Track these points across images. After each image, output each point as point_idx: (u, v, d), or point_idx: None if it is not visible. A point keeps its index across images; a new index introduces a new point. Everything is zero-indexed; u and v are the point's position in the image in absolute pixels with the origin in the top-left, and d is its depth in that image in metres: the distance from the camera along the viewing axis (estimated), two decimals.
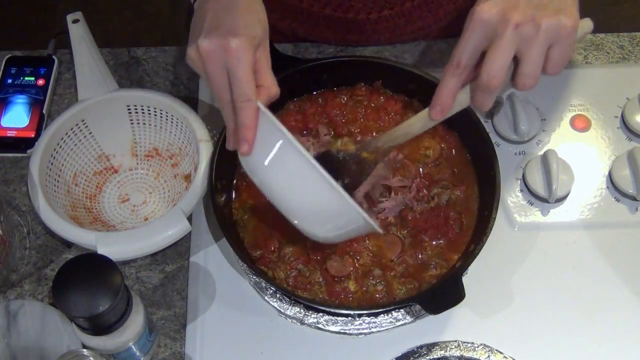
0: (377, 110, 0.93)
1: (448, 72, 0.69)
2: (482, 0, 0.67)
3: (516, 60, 0.67)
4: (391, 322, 0.84)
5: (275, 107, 0.94)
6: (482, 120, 0.88)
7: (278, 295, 0.85)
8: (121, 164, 0.96)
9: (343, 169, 0.75)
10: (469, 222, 0.87)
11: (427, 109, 0.72)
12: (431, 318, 0.83)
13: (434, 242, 0.85)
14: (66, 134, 0.92)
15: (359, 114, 0.92)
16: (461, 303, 0.77)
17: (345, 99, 0.94)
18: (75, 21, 0.97)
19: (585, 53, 1.05)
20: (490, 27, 0.65)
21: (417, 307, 0.83)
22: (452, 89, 0.69)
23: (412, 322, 0.84)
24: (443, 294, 0.77)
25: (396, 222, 0.86)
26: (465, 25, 0.67)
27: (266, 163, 0.68)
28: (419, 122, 0.74)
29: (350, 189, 0.75)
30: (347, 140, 0.82)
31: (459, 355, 0.82)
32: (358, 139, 0.84)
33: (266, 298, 0.85)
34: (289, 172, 0.67)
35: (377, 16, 1.00)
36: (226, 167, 0.89)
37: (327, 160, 0.74)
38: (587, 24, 0.74)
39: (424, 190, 0.87)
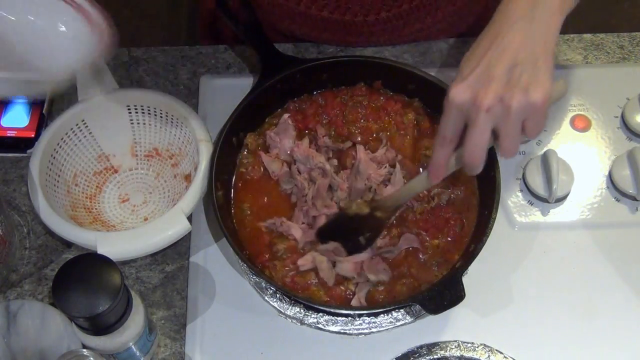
0: (377, 111, 0.93)
1: (437, 145, 0.74)
2: (457, 80, 0.71)
3: (495, 134, 0.71)
4: (391, 322, 0.84)
5: (275, 106, 0.95)
6: None
7: (278, 295, 0.85)
8: (121, 164, 0.96)
9: (361, 227, 0.83)
10: (469, 222, 0.87)
11: (425, 172, 0.78)
12: (431, 318, 0.83)
13: (434, 242, 0.85)
14: (66, 134, 0.92)
15: (359, 115, 0.92)
16: (461, 303, 0.77)
17: (346, 98, 0.94)
18: None
19: (585, 53, 1.05)
20: (464, 111, 0.70)
21: (417, 307, 0.83)
22: (444, 159, 0.75)
23: (412, 322, 0.84)
24: (443, 294, 0.77)
25: (397, 224, 0.86)
26: (444, 105, 0.72)
27: None
28: (419, 184, 0.80)
29: (367, 243, 0.83)
30: (361, 202, 0.85)
31: (459, 355, 0.82)
32: (371, 198, 0.87)
33: (266, 298, 0.85)
34: None
35: (375, 18, 1.00)
36: (226, 167, 0.89)
37: (346, 220, 0.84)
38: (561, 87, 0.74)
39: (424, 191, 0.87)
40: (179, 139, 0.94)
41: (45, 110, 0.99)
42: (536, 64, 0.69)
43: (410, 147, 0.91)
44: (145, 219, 0.93)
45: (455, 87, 0.71)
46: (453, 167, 0.76)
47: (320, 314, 0.84)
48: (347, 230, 0.84)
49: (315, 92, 0.95)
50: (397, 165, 0.88)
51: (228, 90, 0.99)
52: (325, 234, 0.84)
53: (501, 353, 0.82)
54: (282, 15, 1.03)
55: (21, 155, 0.97)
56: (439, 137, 0.74)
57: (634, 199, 0.92)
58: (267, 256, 0.85)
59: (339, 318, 0.84)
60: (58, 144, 0.91)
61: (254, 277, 0.86)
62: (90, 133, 0.94)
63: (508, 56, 0.69)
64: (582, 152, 0.96)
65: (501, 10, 0.72)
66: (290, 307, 0.85)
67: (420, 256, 0.84)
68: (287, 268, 0.83)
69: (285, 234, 0.86)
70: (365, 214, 0.83)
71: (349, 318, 0.84)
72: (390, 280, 0.83)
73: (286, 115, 0.92)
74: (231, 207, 0.89)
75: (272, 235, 0.86)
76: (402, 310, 0.84)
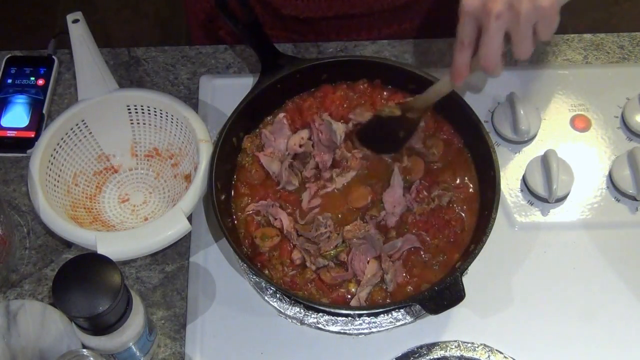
0: (379, 103, 0.93)
1: (456, 50, 0.77)
2: None
3: (508, 37, 0.73)
4: (391, 322, 0.84)
5: (274, 106, 0.95)
6: (482, 120, 0.88)
7: (278, 295, 0.85)
8: (121, 164, 0.96)
9: (397, 127, 0.88)
10: (470, 222, 0.87)
11: (447, 76, 0.81)
12: (431, 318, 0.83)
13: (434, 243, 0.85)
14: (66, 134, 0.92)
15: (361, 103, 0.93)
16: (461, 303, 0.77)
17: (343, 93, 0.94)
18: (75, 21, 0.96)
19: (585, 53, 1.05)
20: (475, 17, 0.74)
21: (417, 307, 0.83)
22: (464, 62, 0.78)
23: (412, 322, 0.84)
24: (443, 294, 0.77)
25: (397, 225, 0.86)
26: (458, 13, 0.75)
27: None
28: (444, 86, 0.83)
29: (405, 140, 0.89)
30: (392, 106, 0.88)
31: (459, 355, 0.82)
32: (398, 102, 0.91)
33: (266, 298, 0.85)
34: None
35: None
36: (226, 167, 0.89)
37: (382, 123, 0.88)
38: None
39: (424, 192, 0.87)
40: (179, 139, 0.94)
41: (45, 110, 0.99)
42: None
43: (417, 145, 0.91)
44: (145, 219, 0.93)
45: None
46: (473, 69, 0.78)
47: (320, 314, 0.84)
48: (382, 133, 0.89)
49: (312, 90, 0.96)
50: (395, 168, 0.88)
51: (228, 90, 0.99)
52: (362, 135, 0.90)
53: (501, 353, 0.82)
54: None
55: (21, 155, 0.97)
56: (457, 43, 0.77)
57: (634, 199, 0.92)
58: (266, 256, 0.85)
59: (339, 318, 0.84)
60: (58, 144, 0.91)
61: (254, 277, 0.86)
62: (90, 133, 0.94)
63: None
64: (582, 152, 0.96)
65: None
66: (290, 307, 0.85)
67: (421, 256, 0.84)
68: (286, 268, 0.83)
69: (273, 216, 0.86)
70: (397, 115, 0.86)
71: (349, 318, 0.84)
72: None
73: (281, 115, 0.92)
74: (231, 207, 0.89)
75: (260, 226, 0.86)
76: (402, 310, 0.84)
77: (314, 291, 0.83)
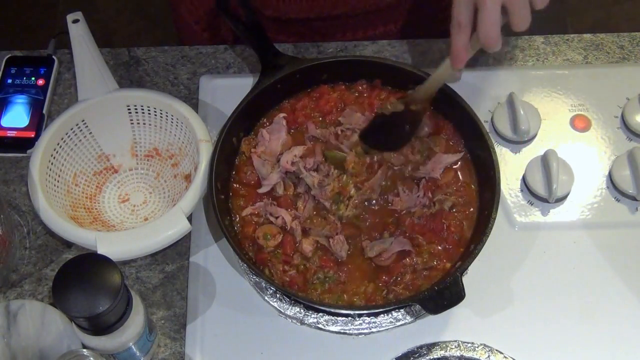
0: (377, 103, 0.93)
1: (454, 32, 0.77)
2: None
3: (505, 10, 0.73)
4: (391, 322, 0.84)
5: (274, 106, 0.95)
6: (482, 120, 0.88)
7: (278, 295, 0.85)
8: (121, 164, 0.96)
9: (401, 122, 0.87)
10: (469, 222, 0.87)
11: (447, 60, 0.79)
12: (431, 318, 0.83)
13: (434, 243, 0.85)
14: (66, 134, 0.92)
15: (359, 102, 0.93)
16: (461, 303, 0.77)
17: (338, 95, 0.94)
18: (75, 21, 0.96)
19: (585, 53, 1.05)
20: None
21: (417, 307, 0.83)
22: (462, 44, 0.77)
23: (412, 322, 0.84)
24: (443, 294, 0.77)
25: (393, 229, 0.86)
26: None
27: None
28: (445, 71, 0.82)
29: (411, 133, 0.88)
30: (394, 101, 0.88)
31: (459, 355, 0.82)
32: (402, 95, 0.90)
33: (266, 298, 0.85)
34: None
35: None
36: (226, 167, 0.89)
37: (385, 120, 0.87)
38: None
39: (430, 194, 0.87)
40: (179, 139, 0.94)
41: (45, 110, 0.99)
42: None
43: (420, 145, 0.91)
44: (145, 219, 0.93)
45: None
46: (473, 50, 0.78)
47: (320, 314, 0.84)
48: (388, 130, 0.88)
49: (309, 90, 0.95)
50: (379, 172, 0.87)
51: (228, 90, 0.99)
52: (367, 137, 0.88)
53: (501, 353, 0.82)
54: None
55: (21, 155, 0.97)
56: (453, 25, 0.76)
57: (634, 199, 0.92)
58: (267, 255, 0.85)
59: (339, 318, 0.84)
60: (58, 144, 0.91)
61: (254, 277, 0.86)
62: (90, 133, 0.94)
63: None
64: (582, 152, 0.96)
65: None
66: (290, 307, 0.85)
67: (421, 256, 0.84)
68: (286, 268, 0.83)
69: (273, 215, 0.86)
70: (401, 110, 0.86)
71: (349, 318, 0.84)
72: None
73: (281, 115, 0.92)
74: (231, 207, 0.89)
75: (257, 227, 0.86)
76: (402, 310, 0.84)
77: (311, 291, 0.83)
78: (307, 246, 0.84)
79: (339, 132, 0.91)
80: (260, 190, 0.88)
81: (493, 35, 0.74)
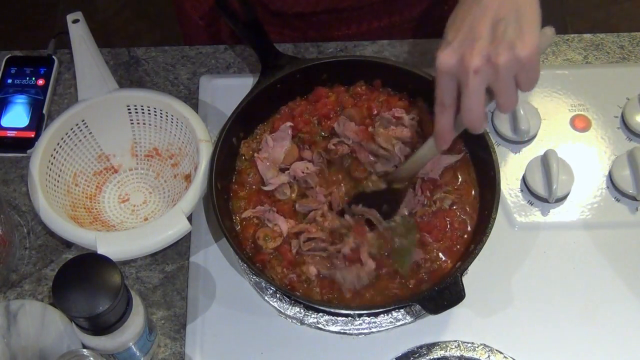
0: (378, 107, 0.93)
1: (437, 112, 0.74)
2: (442, 45, 0.71)
3: (490, 91, 0.71)
4: (391, 322, 0.84)
5: (275, 106, 0.95)
6: None
7: (278, 295, 0.85)
8: (121, 164, 0.96)
9: (380, 201, 0.85)
10: (469, 222, 0.87)
11: (432, 139, 0.78)
12: (431, 318, 0.83)
13: (434, 243, 0.85)
14: (66, 134, 0.92)
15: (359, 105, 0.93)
16: (461, 303, 0.77)
17: (335, 98, 0.94)
18: (75, 21, 0.97)
19: (585, 53, 1.05)
20: (453, 74, 0.71)
21: (417, 307, 0.83)
22: (447, 124, 0.75)
23: (412, 322, 0.84)
24: (443, 294, 0.77)
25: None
26: (435, 72, 0.73)
27: None
28: (429, 151, 0.80)
29: (391, 213, 0.85)
30: (375, 179, 0.87)
31: (459, 355, 0.82)
32: (383, 174, 0.88)
33: (266, 298, 0.85)
34: None
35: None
36: (226, 167, 0.89)
37: (365, 199, 0.85)
38: (547, 36, 0.72)
39: (428, 193, 0.87)
40: (179, 139, 0.94)
41: (45, 110, 0.99)
42: (520, 17, 0.68)
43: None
44: (145, 219, 0.93)
45: (441, 53, 0.71)
46: (458, 130, 0.76)
47: (320, 314, 0.84)
48: (368, 206, 0.85)
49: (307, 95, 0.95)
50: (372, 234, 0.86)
51: (228, 90, 0.99)
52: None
53: (501, 353, 0.82)
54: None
55: (21, 155, 0.97)
56: (437, 105, 0.74)
57: (634, 199, 0.92)
58: (267, 257, 0.85)
59: (339, 318, 0.84)
60: (58, 144, 0.91)
61: (254, 277, 0.86)
62: (90, 133, 0.94)
63: (490, 13, 0.69)
64: (582, 152, 0.96)
65: None
66: (290, 307, 0.85)
67: (421, 256, 0.84)
68: (285, 269, 0.83)
69: (271, 222, 0.85)
70: (382, 189, 0.85)
71: (349, 318, 0.84)
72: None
73: (288, 124, 0.91)
74: (231, 207, 0.89)
75: (258, 228, 0.86)
76: (402, 310, 0.84)
77: (311, 289, 0.83)
78: (312, 269, 0.83)
79: (332, 147, 0.90)
80: (266, 188, 0.88)
81: (476, 118, 0.71)
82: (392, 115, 0.90)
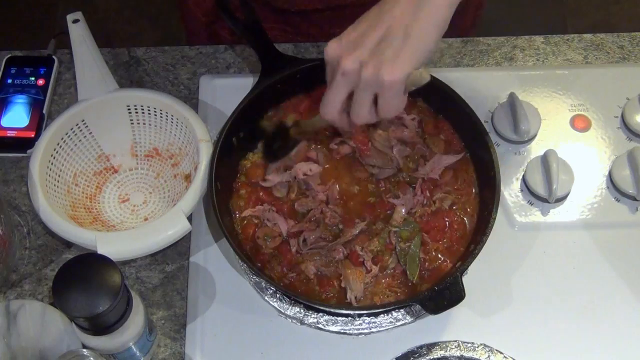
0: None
1: (327, 87, 0.77)
2: (337, 37, 0.74)
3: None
4: (391, 322, 0.84)
5: (274, 106, 0.95)
6: (482, 120, 0.88)
7: (278, 295, 0.85)
8: (121, 164, 0.96)
9: (274, 139, 0.89)
10: (469, 222, 0.87)
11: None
12: (431, 318, 0.83)
13: (434, 243, 0.85)
14: (66, 134, 0.92)
15: None
16: (461, 303, 0.77)
17: None
18: (75, 21, 0.97)
19: (585, 53, 1.05)
20: (331, 65, 0.75)
21: (417, 307, 0.83)
22: (330, 98, 0.76)
23: (412, 322, 0.84)
24: (443, 294, 0.77)
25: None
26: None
27: None
28: (318, 119, 0.81)
29: (280, 155, 0.89)
30: (290, 119, 0.90)
31: (459, 355, 0.82)
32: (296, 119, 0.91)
33: (266, 298, 0.85)
34: None
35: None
36: (226, 167, 0.89)
37: (259, 131, 0.90)
38: (418, 76, 0.71)
39: (427, 193, 0.87)
40: (179, 139, 0.94)
41: (45, 110, 0.99)
42: (406, 42, 0.69)
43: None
44: (145, 219, 0.93)
45: (330, 43, 0.74)
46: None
47: (320, 314, 0.84)
48: (268, 138, 0.90)
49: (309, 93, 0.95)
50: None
51: (228, 90, 0.99)
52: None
53: (501, 353, 0.82)
54: None
55: (21, 155, 0.97)
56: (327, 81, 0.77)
57: (634, 199, 0.92)
58: (266, 257, 0.85)
59: (339, 318, 0.84)
60: (58, 144, 0.91)
61: (254, 277, 0.86)
62: (90, 133, 0.94)
63: (383, 28, 0.70)
64: (582, 152, 0.96)
65: None
66: (290, 307, 0.85)
67: (421, 256, 0.84)
68: (285, 269, 0.83)
69: (271, 222, 0.86)
70: (286, 126, 0.88)
71: (349, 318, 0.84)
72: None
73: (303, 143, 0.91)
74: (231, 207, 0.89)
75: (257, 228, 0.86)
76: (402, 310, 0.84)
77: (312, 288, 0.83)
78: (310, 267, 0.83)
79: (334, 147, 0.90)
80: (264, 184, 0.88)
81: (329, 112, 0.76)
82: None
